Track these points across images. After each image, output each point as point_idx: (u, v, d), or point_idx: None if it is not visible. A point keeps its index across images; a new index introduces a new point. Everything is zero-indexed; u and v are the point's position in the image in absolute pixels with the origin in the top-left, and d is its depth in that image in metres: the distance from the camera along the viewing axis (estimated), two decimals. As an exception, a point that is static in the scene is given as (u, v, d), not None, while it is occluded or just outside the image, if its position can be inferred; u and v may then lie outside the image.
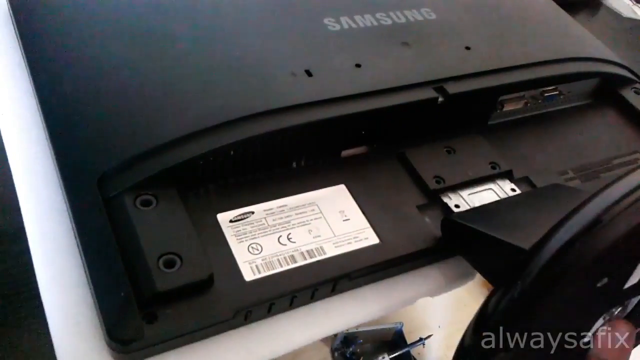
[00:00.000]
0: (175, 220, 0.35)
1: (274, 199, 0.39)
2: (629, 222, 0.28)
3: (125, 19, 0.44)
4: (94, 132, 0.38)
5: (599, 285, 0.30)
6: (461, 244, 0.39)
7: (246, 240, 0.37)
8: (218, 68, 0.41)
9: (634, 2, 0.78)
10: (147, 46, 0.42)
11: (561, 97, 0.52)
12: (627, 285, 0.33)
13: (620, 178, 0.30)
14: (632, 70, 0.55)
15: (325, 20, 0.47)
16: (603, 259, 0.28)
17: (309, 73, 0.42)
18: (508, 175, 0.44)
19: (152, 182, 0.36)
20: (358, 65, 0.44)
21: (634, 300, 0.35)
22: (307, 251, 0.37)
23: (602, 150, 0.49)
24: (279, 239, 0.37)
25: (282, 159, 0.41)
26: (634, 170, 0.31)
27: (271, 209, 0.39)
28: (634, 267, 0.32)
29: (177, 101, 0.39)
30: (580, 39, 0.56)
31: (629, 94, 0.54)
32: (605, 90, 0.54)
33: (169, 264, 0.33)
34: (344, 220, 0.39)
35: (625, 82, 0.54)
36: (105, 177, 0.36)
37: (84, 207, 0.36)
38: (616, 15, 0.76)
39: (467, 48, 0.48)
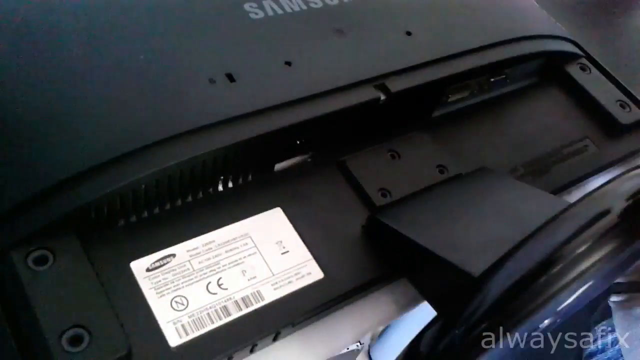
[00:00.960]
0: (78, 281, 0.29)
1: (199, 234, 0.33)
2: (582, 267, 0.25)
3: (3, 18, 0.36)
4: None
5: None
6: (391, 250, 0.35)
7: (168, 293, 0.31)
8: (118, 78, 0.34)
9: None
10: (28, 53, 0.34)
11: (507, 80, 0.48)
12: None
13: (563, 212, 0.27)
14: (578, 44, 0.52)
15: (246, 6, 0.40)
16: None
17: (230, 77, 0.36)
18: (457, 179, 0.40)
19: (46, 232, 0.29)
20: (288, 63, 0.38)
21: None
22: (242, 299, 0.32)
23: (552, 139, 0.46)
24: (207, 286, 0.32)
25: (206, 183, 0.35)
26: (584, 200, 0.28)
27: (196, 248, 0.33)
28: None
29: (69, 127, 0.32)
30: (525, 11, 0.51)
31: (575, 71, 0.50)
32: (551, 68, 0.50)
33: (75, 341, 0.27)
34: (282, 254, 0.34)
35: (571, 57, 0.51)
36: (-16, 230, 0.29)
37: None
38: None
39: (408, 33, 0.43)
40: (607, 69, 0.52)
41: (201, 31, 0.38)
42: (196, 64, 0.36)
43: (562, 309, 0.24)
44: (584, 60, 0.52)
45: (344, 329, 0.35)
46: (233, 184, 0.36)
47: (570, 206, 0.27)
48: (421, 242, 0.32)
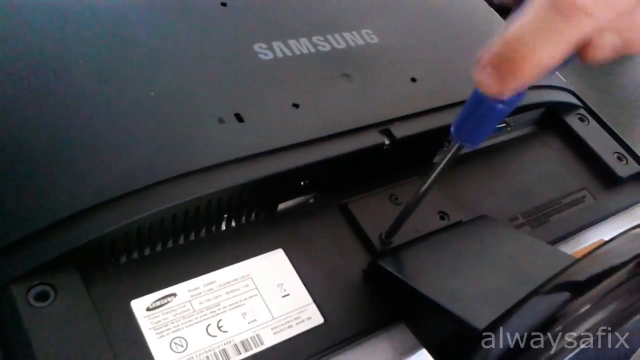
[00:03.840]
0: (79, 319, 0.29)
1: (201, 274, 0.33)
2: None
3: (10, 45, 0.36)
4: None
5: None
6: (391, 295, 0.35)
7: (168, 334, 0.31)
8: (127, 115, 0.34)
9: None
10: (36, 87, 0.34)
11: (507, 128, 0.49)
12: None
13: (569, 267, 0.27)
14: (577, 94, 0.53)
15: (256, 47, 0.41)
16: None
17: (239, 117, 0.36)
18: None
19: (48, 267, 0.29)
20: (295, 105, 0.38)
21: None
22: (242, 342, 0.31)
23: (551, 189, 0.47)
24: (207, 328, 0.31)
25: (209, 222, 0.35)
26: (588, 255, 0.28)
27: (197, 288, 0.33)
28: None
29: (75, 164, 0.32)
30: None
31: (573, 121, 0.51)
32: (550, 117, 0.51)
33: (72, 382, 0.27)
34: (283, 297, 0.34)
35: (570, 108, 0.52)
36: (-14, 264, 0.29)
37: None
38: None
39: (413, 80, 0.44)
40: (604, 120, 0.53)
41: (211, 70, 0.38)
42: (207, 102, 0.36)
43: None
44: (583, 111, 0.53)
45: (341, 375, 0.34)
46: (236, 223, 0.36)
47: (575, 262, 0.27)
48: (422, 290, 0.32)
